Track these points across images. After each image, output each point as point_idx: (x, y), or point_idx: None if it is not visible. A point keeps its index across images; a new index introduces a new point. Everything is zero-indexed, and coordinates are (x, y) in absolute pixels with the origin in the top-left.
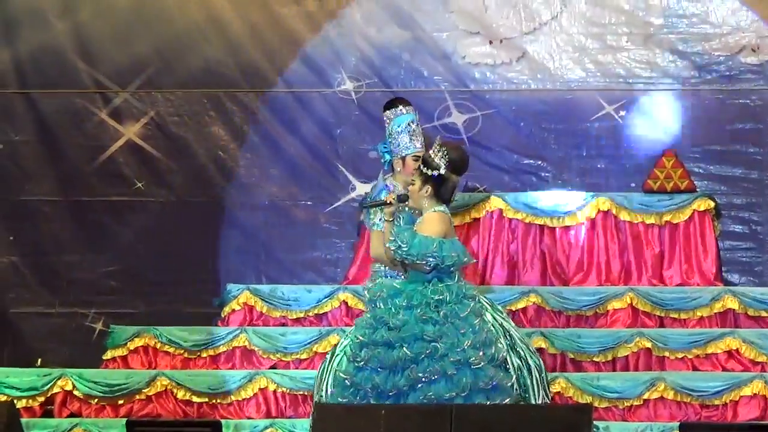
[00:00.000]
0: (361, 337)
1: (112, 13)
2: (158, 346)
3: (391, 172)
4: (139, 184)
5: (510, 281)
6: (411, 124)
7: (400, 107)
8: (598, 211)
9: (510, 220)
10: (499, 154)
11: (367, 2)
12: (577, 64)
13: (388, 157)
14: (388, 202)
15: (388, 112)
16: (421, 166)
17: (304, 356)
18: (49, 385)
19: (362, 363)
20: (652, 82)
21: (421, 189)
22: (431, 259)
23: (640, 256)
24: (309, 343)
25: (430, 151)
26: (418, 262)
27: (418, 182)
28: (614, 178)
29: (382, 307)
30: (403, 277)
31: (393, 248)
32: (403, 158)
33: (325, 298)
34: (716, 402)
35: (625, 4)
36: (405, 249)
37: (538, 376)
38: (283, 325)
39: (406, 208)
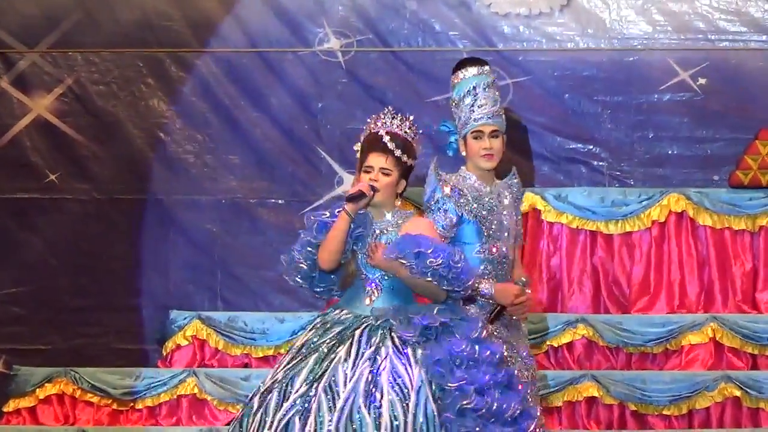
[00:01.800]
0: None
1: None
2: (78, 394)
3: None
4: (53, 177)
5: (551, 307)
6: (476, 88)
7: (467, 68)
8: (670, 212)
9: (551, 224)
10: (536, 135)
11: None
12: (642, 15)
13: (453, 139)
14: (369, 194)
15: (452, 77)
16: (397, 152)
17: None
18: None
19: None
20: (743, 38)
21: (398, 183)
22: (470, 284)
23: (726, 273)
24: None
25: (401, 130)
26: (456, 289)
27: (396, 173)
28: (691, 169)
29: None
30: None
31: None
32: (465, 137)
33: (303, 329)
34: None
35: None
36: (458, 267)
37: None
38: (246, 366)
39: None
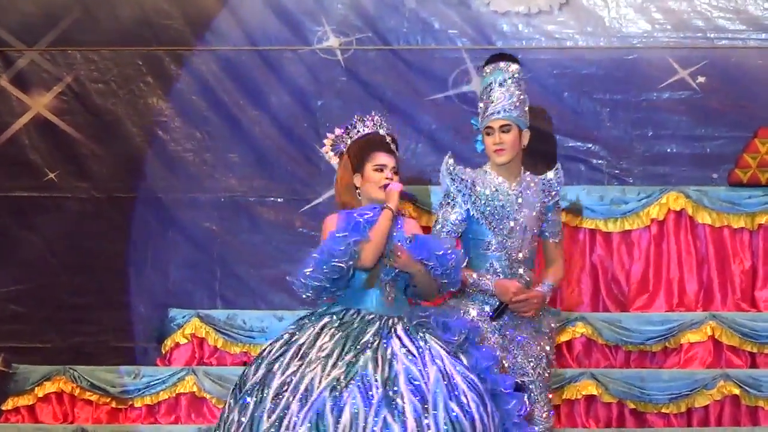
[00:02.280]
0: None
1: None
2: (77, 392)
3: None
4: (52, 175)
5: (549, 305)
6: (491, 84)
7: (489, 65)
8: (669, 210)
9: None
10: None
11: None
12: (641, 13)
13: (479, 137)
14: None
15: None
16: (398, 153)
17: None
18: None
19: None
20: (742, 37)
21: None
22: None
23: (725, 271)
24: None
25: (389, 131)
26: (452, 289)
27: (398, 173)
28: (690, 167)
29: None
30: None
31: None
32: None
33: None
34: None
35: None
36: (460, 270)
37: None
38: (245, 364)
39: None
